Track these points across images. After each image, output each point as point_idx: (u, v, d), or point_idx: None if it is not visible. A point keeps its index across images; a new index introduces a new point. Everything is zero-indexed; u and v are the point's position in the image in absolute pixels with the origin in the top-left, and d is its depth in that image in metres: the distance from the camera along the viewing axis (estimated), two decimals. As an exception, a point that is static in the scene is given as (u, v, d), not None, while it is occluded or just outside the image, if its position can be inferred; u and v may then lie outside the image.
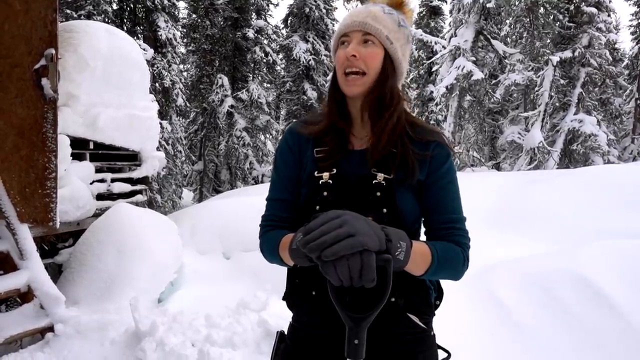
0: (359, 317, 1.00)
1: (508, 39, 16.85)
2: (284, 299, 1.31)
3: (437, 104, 14.84)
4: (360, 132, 1.24)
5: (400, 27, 1.21)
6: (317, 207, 1.18)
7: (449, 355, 1.26)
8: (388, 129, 1.18)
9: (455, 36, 14.15)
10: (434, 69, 16.64)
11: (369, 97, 1.19)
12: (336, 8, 19.61)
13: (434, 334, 1.27)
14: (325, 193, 1.18)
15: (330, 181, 1.18)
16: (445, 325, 1.33)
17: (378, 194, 1.15)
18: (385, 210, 1.14)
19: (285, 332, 1.33)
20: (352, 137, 1.24)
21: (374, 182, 1.16)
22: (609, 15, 15.83)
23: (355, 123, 1.25)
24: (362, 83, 1.17)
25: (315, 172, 1.20)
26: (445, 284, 1.30)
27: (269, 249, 1.24)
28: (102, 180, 4.87)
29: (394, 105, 1.20)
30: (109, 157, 5.06)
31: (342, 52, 1.18)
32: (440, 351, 1.28)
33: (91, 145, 4.65)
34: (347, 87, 1.18)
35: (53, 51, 3.36)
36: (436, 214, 1.20)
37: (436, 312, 1.29)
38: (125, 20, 14.12)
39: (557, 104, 15.59)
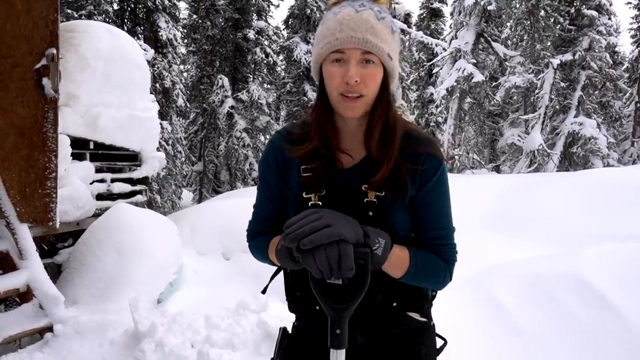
0: (341, 308, 1.03)
1: (509, 41, 16.88)
2: (290, 310, 1.30)
3: (437, 106, 14.85)
4: (348, 147, 1.16)
5: (393, 34, 1.10)
6: None
7: (445, 342, 1.30)
8: (394, 155, 1.11)
9: (456, 38, 14.16)
10: (434, 71, 16.66)
11: (374, 123, 1.11)
12: (337, 9, 19.59)
13: (433, 324, 1.29)
14: None
15: (320, 203, 1.13)
16: (445, 326, 1.34)
17: (370, 213, 1.11)
18: (378, 229, 1.10)
19: (288, 330, 1.33)
20: (340, 155, 1.16)
21: (365, 200, 1.12)
22: (609, 19, 15.85)
23: (343, 138, 1.17)
24: (362, 104, 1.07)
25: (304, 194, 1.15)
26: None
27: (259, 252, 1.27)
28: (102, 181, 4.87)
29: (397, 126, 1.13)
30: (109, 157, 5.05)
31: (338, 71, 1.05)
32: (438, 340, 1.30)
33: (91, 145, 4.65)
34: (347, 111, 1.08)
35: (54, 51, 3.36)
36: (424, 230, 1.17)
37: (433, 302, 1.29)
38: (126, 21, 14.12)
39: (557, 107, 15.60)
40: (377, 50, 1.04)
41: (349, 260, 0.95)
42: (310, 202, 1.14)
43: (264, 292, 1.29)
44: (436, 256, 1.15)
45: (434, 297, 1.30)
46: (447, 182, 1.17)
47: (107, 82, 4.77)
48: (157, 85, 12.92)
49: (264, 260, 1.27)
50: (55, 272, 4.39)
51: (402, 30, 13.28)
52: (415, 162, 1.13)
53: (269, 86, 20.05)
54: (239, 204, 5.72)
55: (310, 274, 1.01)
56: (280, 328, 1.32)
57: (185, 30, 17.79)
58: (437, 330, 1.31)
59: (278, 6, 23.03)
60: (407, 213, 1.16)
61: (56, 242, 4.77)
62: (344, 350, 1.04)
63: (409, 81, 17.73)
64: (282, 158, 1.20)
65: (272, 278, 1.31)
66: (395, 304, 1.17)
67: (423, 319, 1.23)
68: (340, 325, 1.03)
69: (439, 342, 1.29)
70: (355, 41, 1.03)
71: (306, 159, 1.15)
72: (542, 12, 14.09)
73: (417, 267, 1.10)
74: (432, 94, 16.18)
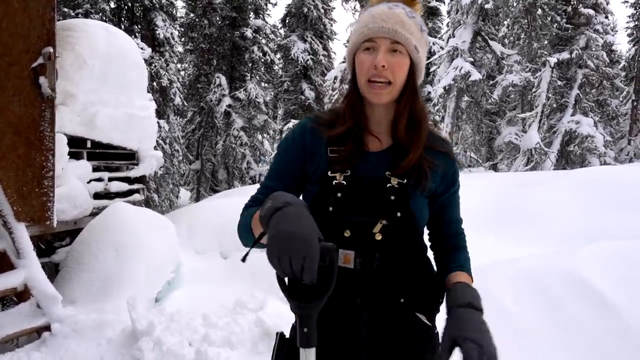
0: (308, 306, 1.01)
1: (506, 40, 16.91)
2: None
3: (434, 105, 14.86)
4: (377, 133, 1.23)
5: (422, 32, 1.19)
6: (331, 209, 1.17)
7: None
8: (422, 142, 1.19)
9: (453, 37, 14.18)
10: (431, 69, 16.68)
11: (401, 109, 1.19)
12: (334, 8, 19.63)
13: (437, 332, 1.27)
14: (339, 194, 1.17)
15: (344, 182, 1.17)
16: (442, 325, 1.34)
17: (392, 197, 1.15)
18: (399, 214, 1.15)
19: (285, 334, 1.31)
20: (368, 139, 1.22)
21: (387, 185, 1.16)
22: (606, 17, 15.89)
23: (372, 124, 1.23)
24: (389, 92, 1.15)
25: (329, 172, 1.19)
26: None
27: (243, 220, 1.23)
28: (99, 179, 4.86)
29: (423, 117, 1.21)
30: (106, 156, 5.04)
31: (367, 58, 1.14)
32: None
33: (89, 144, 4.64)
34: (374, 97, 1.16)
35: (51, 49, 3.35)
36: (449, 225, 1.30)
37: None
38: (122, 19, 14.09)
39: (554, 105, 15.64)
40: (404, 40, 1.13)
41: (310, 273, 0.92)
42: (335, 181, 1.17)
43: (243, 260, 1.24)
44: (462, 250, 1.30)
45: (440, 302, 1.28)
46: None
47: (104, 81, 4.76)
48: (155, 84, 12.90)
49: (245, 230, 1.22)
50: (52, 271, 4.39)
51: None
52: (437, 158, 1.21)
53: (266, 85, 20.04)
54: (237, 203, 5.72)
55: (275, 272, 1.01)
56: (277, 333, 1.30)
57: (182, 29, 17.75)
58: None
59: (275, 4, 23.02)
60: (426, 205, 1.21)
61: (54, 241, 4.76)
62: (313, 349, 1.01)
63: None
64: (311, 137, 1.24)
65: (253, 245, 1.18)
66: (402, 300, 1.17)
67: (429, 324, 1.22)
68: (308, 323, 1.01)
69: None
70: (386, 31, 1.12)
71: (336, 140, 1.20)
72: (539, 11, 14.11)
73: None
74: (429, 92, 16.18)
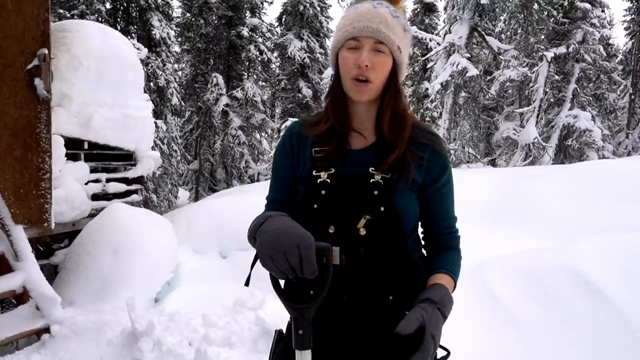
0: (303, 307, 1.02)
1: (502, 35, 16.90)
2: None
3: (432, 101, 14.84)
4: (360, 130, 1.24)
5: (405, 32, 1.20)
6: (315, 206, 1.18)
7: (449, 353, 1.25)
8: (405, 138, 1.19)
9: (450, 33, 14.15)
10: (428, 65, 16.64)
11: (384, 108, 1.20)
12: (330, 6, 19.60)
13: None
14: (323, 192, 1.18)
15: (328, 180, 1.18)
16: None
17: (375, 192, 1.16)
18: (382, 208, 1.15)
19: (283, 331, 1.32)
20: (351, 137, 1.24)
21: (371, 181, 1.16)
22: (602, 11, 15.87)
23: (355, 122, 1.25)
24: (369, 89, 1.17)
25: (314, 171, 1.21)
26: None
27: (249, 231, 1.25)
28: (97, 181, 4.85)
29: (406, 114, 1.22)
30: (103, 157, 5.03)
31: (351, 57, 1.16)
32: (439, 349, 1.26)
33: (85, 146, 4.63)
34: (356, 94, 1.18)
35: (46, 51, 3.34)
36: (437, 222, 1.27)
37: None
38: (118, 20, 14.07)
39: (551, 100, 15.63)
40: (388, 40, 1.14)
41: (310, 264, 0.95)
42: (320, 180, 1.19)
43: (247, 284, 1.25)
44: (452, 250, 1.28)
45: None
46: (452, 175, 1.27)
47: (100, 82, 4.75)
48: (152, 84, 12.88)
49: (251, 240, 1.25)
50: (51, 273, 4.38)
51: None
52: (421, 150, 1.20)
53: (263, 83, 20.00)
54: (236, 202, 5.71)
55: (270, 274, 1.01)
56: (275, 331, 1.31)
57: (178, 29, 17.71)
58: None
59: (272, 3, 22.96)
60: (415, 200, 1.21)
61: (52, 243, 4.75)
62: (309, 351, 1.01)
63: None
64: (297, 139, 1.28)
65: (252, 267, 1.26)
66: (391, 297, 1.17)
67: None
68: (303, 325, 1.01)
69: (440, 352, 1.24)
70: (370, 30, 1.14)
71: (320, 138, 1.23)
72: (536, 5, 14.11)
73: (455, 280, 1.24)
74: (426, 88, 16.16)
